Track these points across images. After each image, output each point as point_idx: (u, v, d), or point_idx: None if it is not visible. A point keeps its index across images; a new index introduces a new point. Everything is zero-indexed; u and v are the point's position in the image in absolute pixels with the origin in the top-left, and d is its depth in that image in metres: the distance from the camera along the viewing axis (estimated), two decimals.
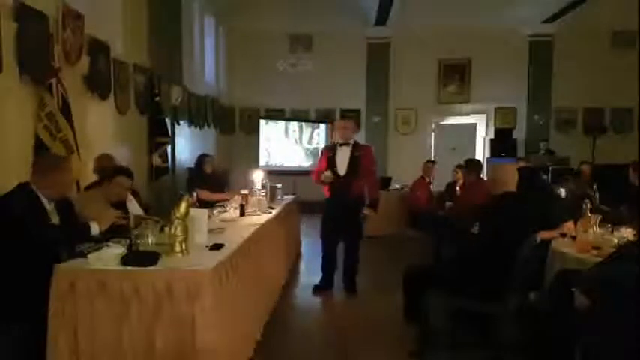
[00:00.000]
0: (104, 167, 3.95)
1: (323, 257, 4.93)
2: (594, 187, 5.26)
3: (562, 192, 5.16)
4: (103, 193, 3.46)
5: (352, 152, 4.76)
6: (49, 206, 2.86)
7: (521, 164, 7.08)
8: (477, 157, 10.19)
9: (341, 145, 4.79)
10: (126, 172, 3.60)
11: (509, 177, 3.39)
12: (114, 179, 3.49)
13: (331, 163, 4.77)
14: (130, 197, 3.81)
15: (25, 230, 2.64)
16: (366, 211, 4.82)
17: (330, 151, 4.87)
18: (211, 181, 5.99)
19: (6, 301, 2.56)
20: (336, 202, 4.75)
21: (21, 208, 2.70)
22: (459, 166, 6.95)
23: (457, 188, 6.66)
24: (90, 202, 3.32)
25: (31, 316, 2.49)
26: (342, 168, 4.74)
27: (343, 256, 4.91)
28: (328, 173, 4.68)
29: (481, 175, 6.21)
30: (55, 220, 2.90)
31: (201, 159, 6.11)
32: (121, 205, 3.70)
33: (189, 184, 5.88)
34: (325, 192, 4.85)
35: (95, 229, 2.91)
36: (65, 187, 2.96)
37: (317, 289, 4.85)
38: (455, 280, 3.18)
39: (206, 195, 5.54)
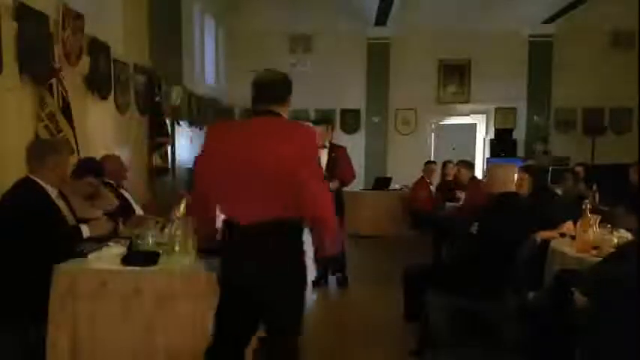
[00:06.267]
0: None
1: None
2: (594, 187, 5.26)
3: (559, 192, 5.18)
4: (71, 188, 3.33)
5: (329, 154, 4.83)
6: (54, 193, 2.86)
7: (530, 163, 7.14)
8: (476, 158, 10.24)
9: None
10: (95, 171, 3.50)
11: (508, 177, 3.41)
12: (82, 178, 3.38)
13: None
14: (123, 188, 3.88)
15: (35, 226, 2.63)
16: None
17: None
18: None
19: (6, 300, 2.57)
20: None
21: (29, 204, 2.69)
22: (446, 163, 6.99)
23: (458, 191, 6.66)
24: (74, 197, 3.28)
25: (31, 315, 2.50)
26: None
27: None
28: None
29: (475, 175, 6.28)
30: (62, 205, 2.90)
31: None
32: (118, 195, 3.72)
33: (191, 184, 5.91)
34: None
35: (86, 232, 2.87)
36: (65, 169, 2.92)
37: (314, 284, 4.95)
38: (455, 280, 3.18)
39: None
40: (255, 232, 2.11)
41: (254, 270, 2.13)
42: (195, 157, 2.36)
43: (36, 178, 2.78)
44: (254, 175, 2.11)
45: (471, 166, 6.23)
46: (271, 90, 2.26)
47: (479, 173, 8.84)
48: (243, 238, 2.16)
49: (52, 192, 2.85)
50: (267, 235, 2.11)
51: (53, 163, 2.80)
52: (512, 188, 3.38)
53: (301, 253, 2.24)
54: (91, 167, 3.52)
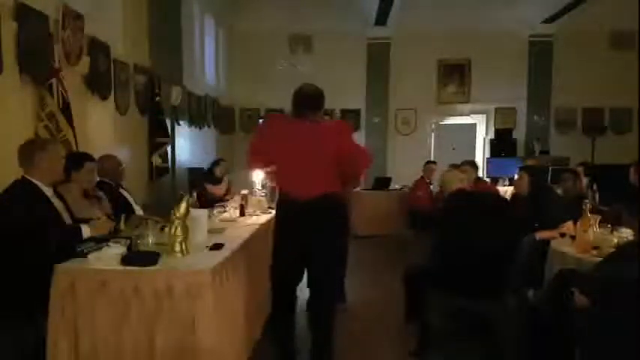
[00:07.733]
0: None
1: None
2: (594, 187, 5.26)
3: (559, 192, 5.17)
4: (76, 185, 3.35)
5: None
6: (49, 192, 2.87)
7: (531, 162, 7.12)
8: (477, 158, 10.23)
9: None
10: (89, 158, 3.53)
11: (457, 178, 3.57)
12: (83, 167, 3.39)
13: None
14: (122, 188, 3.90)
15: (30, 225, 2.63)
16: None
17: None
18: (218, 183, 6.32)
19: (6, 301, 2.56)
20: None
21: (24, 203, 2.70)
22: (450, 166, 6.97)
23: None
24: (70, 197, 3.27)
25: (32, 316, 2.50)
26: None
27: None
28: None
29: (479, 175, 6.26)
30: (58, 204, 2.91)
31: (216, 162, 6.47)
32: (117, 195, 3.72)
33: (197, 182, 6.14)
34: None
35: (86, 232, 2.87)
36: (54, 166, 2.90)
37: None
38: (455, 280, 3.18)
39: (213, 189, 5.97)
40: (310, 205, 2.85)
41: (311, 230, 2.89)
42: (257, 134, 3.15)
43: (31, 178, 2.80)
44: (310, 163, 2.86)
45: (475, 166, 6.20)
46: (316, 100, 3.01)
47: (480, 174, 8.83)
48: (303, 209, 2.87)
49: (48, 191, 2.86)
50: (321, 205, 2.86)
51: (40, 160, 2.81)
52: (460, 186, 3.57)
53: (345, 216, 3.25)
54: (87, 157, 3.52)
